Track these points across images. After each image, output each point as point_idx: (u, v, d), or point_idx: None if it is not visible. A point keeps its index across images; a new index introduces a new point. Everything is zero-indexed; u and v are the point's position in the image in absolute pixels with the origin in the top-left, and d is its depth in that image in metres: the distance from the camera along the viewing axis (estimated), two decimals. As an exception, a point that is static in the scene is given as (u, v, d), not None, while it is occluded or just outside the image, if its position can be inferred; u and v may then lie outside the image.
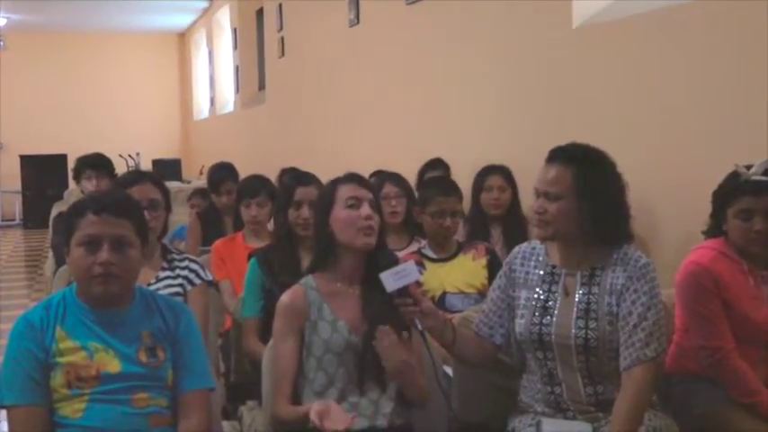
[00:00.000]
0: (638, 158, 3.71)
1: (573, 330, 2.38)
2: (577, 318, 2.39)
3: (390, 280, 2.35)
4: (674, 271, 2.83)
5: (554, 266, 2.48)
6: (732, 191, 2.72)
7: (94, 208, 2.23)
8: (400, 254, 3.66)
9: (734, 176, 2.74)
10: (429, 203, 3.53)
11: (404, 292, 2.36)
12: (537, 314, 2.45)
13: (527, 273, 2.52)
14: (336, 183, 2.55)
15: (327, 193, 2.53)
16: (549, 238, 2.47)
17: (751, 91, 3.16)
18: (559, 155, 2.45)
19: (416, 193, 4.13)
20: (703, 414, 2.69)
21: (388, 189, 4.05)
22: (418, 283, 2.51)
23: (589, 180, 2.39)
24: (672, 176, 3.56)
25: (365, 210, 2.47)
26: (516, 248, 2.60)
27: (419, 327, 2.40)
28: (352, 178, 2.57)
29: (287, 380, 2.46)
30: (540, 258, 2.52)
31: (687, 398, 2.75)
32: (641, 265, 2.39)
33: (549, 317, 2.43)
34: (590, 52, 4.15)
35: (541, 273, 2.49)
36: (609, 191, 2.42)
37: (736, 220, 2.72)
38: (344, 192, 2.50)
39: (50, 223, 6.17)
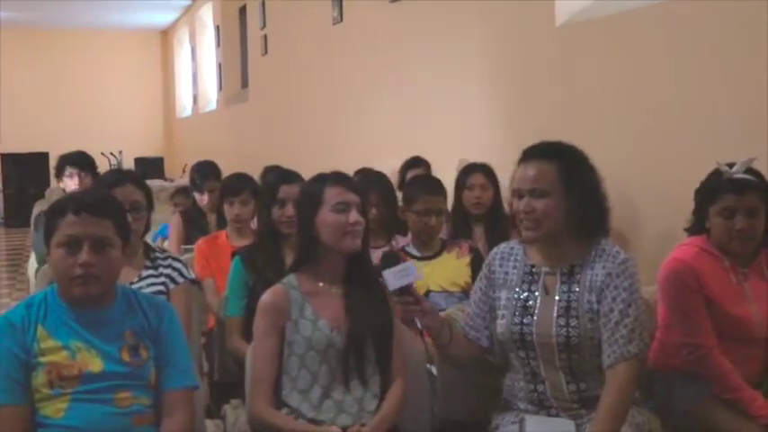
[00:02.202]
0: (620, 156, 3.73)
1: (554, 329, 2.39)
2: (558, 316, 2.40)
3: (392, 278, 2.36)
4: (657, 268, 2.84)
5: (533, 266, 2.48)
6: (714, 189, 2.73)
7: (74, 208, 2.21)
8: (378, 252, 3.66)
9: (716, 174, 2.75)
10: (414, 202, 3.53)
11: (405, 290, 2.37)
12: (517, 314, 2.45)
13: (506, 273, 2.52)
14: (324, 183, 2.53)
15: (314, 193, 2.52)
16: (541, 239, 2.44)
17: (734, 89, 3.18)
18: (536, 152, 2.45)
19: (398, 192, 4.13)
20: (686, 410, 2.71)
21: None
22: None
23: (572, 174, 2.40)
24: (654, 174, 3.58)
25: (353, 216, 2.48)
26: (494, 249, 2.60)
27: (419, 325, 2.40)
28: (341, 180, 2.56)
29: (268, 380, 2.46)
30: (519, 258, 2.51)
31: (669, 394, 2.76)
32: (620, 260, 2.39)
33: (529, 316, 2.43)
34: (573, 50, 4.16)
35: (521, 273, 2.49)
36: (591, 183, 2.44)
37: (718, 217, 2.73)
38: (332, 194, 2.49)
39: (32, 222, 6.12)
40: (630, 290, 2.36)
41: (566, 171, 2.40)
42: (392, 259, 2.48)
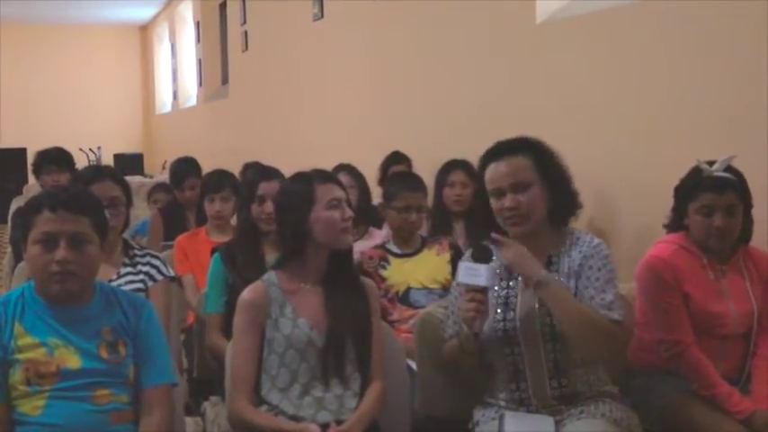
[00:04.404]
0: (600, 152, 3.75)
1: (537, 319, 2.40)
2: (540, 306, 2.40)
3: (464, 272, 2.35)
4: (635, 265, 2.86)
5: None
6: (694, 187, 2.75)
7: (51, 205, 2.20)
8: (360, 246, 3.68)
9: (696, 172, 2.77)
10: (395, 198, 3.53)
11: (483, 289, 2.33)
12: (499, 311, 2.45)
13: None
14: (311, 181, 2.53)
15: (304, 192, 2.50)
16: (528, 232, 2.44)
17: (714, 87, 3.20)
18: (505, 149, 2.47)
19: (380, 188, 4.15)
20: (663, 406, 2.73)
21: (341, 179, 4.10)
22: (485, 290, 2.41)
23: (546, 163, 2.44)
24: (634, 171, 3.60)
25: (347, 212, 2.50)
26: (469, 251, 2.59)
27: (476, 327, 2.36)
28: (329, 177, 2.58)
29: (247, 377, 2.45)
30: (495, 257, 2.51)
31: (648, 390, 2.78)
32: (594, 244, 2.43)
33: (511, 311, 2.44)
34: (553, 48, 4.17)
35: (498, 271, 2.48)
36: (561, 170, 2.48)
37: (697, 215, 2.74)
38: (325, 192, 2.49)
39: (9, 218, 6.07)
40: (606, 269, 2.38)
41: (540, 162, 2.44)
42: (483, 253, 2.40)
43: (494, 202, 2.45)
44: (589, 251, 2.41)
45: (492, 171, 2.46)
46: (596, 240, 2.45)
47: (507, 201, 2.41)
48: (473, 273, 2.33)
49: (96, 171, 3.26)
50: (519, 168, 2.42)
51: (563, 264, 2.43)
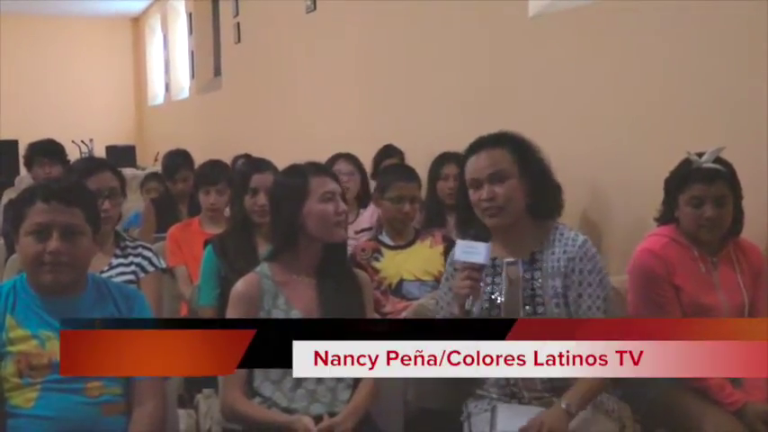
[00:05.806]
0: (592, 146, 3.75)
1: (521, 310, 2.40)
2: (524, 305, 2.41)
3: (461, 250, 2.31)
4: (627, 258, 2.87)
5: (494, 258, 2.46)
6: (684, 178, 2.75)
7: (43, 196, 2.19)
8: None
9: (686, 164, 2.77)
10: (388, 189, 3.53)
11: (476, 267, 2.30)
12: (485, 307, 2.45)
13: None
14: (306, 173, 2.52)
15: (298, 185, 2.49)
16: (506, 225, 2.45)
17: (705, 81, 3.20)
18: (485, 142, 2.48)
19: (372, 181, 4.17)
20: (655, 397, 2.73)
21: (340, 166, 4.14)
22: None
23: (525, 156, 2.44)
24: (625, 164, 3.60)
25: (341, 205, 2.49)
26: (455, 249, 2.58)
27: (468, 305, 2.34)
28: (323, 170, 2.57)
29: (241, 370, 2.44)
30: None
31: (639, 381, 2.78)
32: (579, 244, 2.42)
33: (496, 309, 2.44)
34: (546, 41, 4.17)
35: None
36: (542, 164, 2.48)
37: (687, 207, 2.75)
38: (318, 185, 2.48)
39: (1, 210, 6.05)
40: (595, 270, 2.39)
41: (518, 154, 2.44)
42: (482, 231, 2.39)
43: (471, 194, 2.46)
44: (574, 252, 2.41)
45: (471, 163, 2.47)
46: (581, 238, 2.44)
47: (484, 192, 2.42)
48: (471, 251, 2.30)
49: (96, 162, 3.27)
50: (497, 160, 2.43)
51: (546, 261, 2.43)
